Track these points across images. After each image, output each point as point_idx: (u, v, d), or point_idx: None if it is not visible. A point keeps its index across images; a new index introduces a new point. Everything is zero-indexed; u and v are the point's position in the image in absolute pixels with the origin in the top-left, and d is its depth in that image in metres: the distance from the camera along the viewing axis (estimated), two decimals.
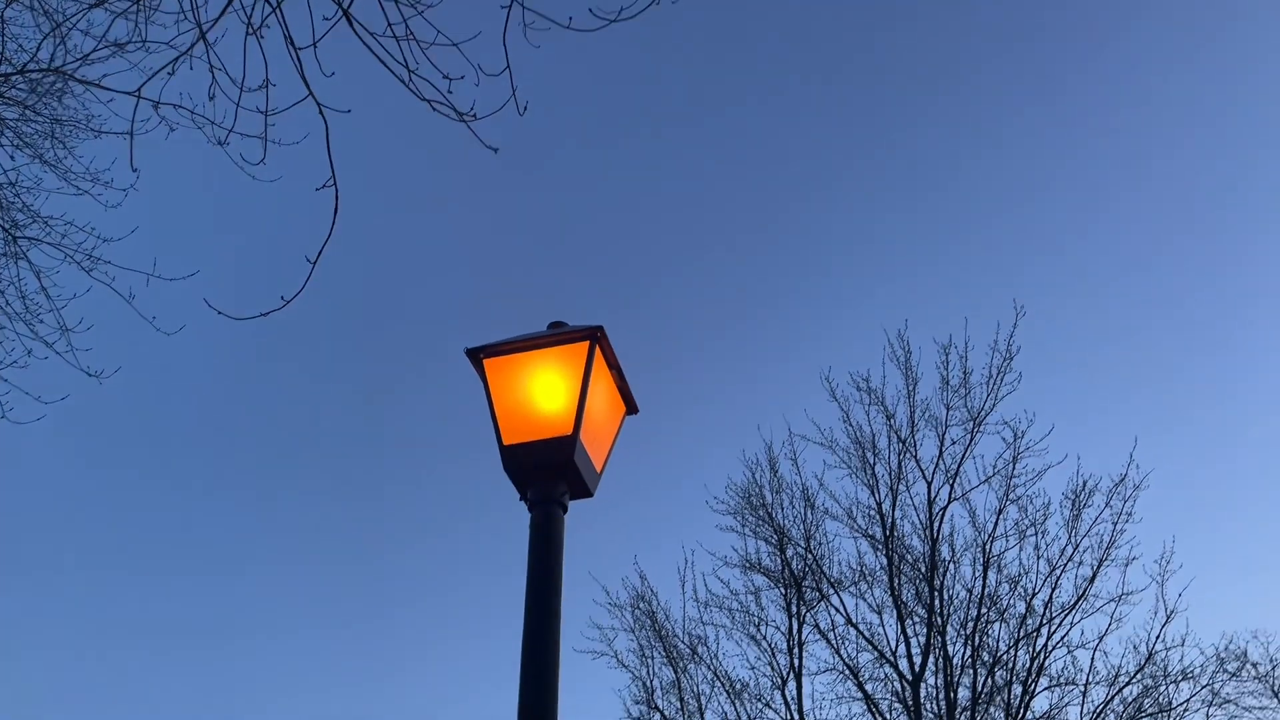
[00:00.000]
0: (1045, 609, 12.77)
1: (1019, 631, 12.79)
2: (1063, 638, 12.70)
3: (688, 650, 14.00)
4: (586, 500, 3.38)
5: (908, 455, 13.61)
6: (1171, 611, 12.67)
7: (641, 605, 14.37)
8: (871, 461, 13.75)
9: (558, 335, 3.41)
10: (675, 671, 13.94)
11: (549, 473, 3.26)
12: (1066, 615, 12.72)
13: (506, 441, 3.31)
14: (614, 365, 3.52)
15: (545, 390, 3.36)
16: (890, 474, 13.67)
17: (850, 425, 13.90)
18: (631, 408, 3.65)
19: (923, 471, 13.56)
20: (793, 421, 15.10)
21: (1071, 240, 23.12)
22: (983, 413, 13.35)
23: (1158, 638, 12.64)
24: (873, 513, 13.64)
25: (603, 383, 3.47)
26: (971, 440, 13.39)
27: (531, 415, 3.34)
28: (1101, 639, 12.66)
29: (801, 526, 14.00)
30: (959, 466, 13.38)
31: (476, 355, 3.46)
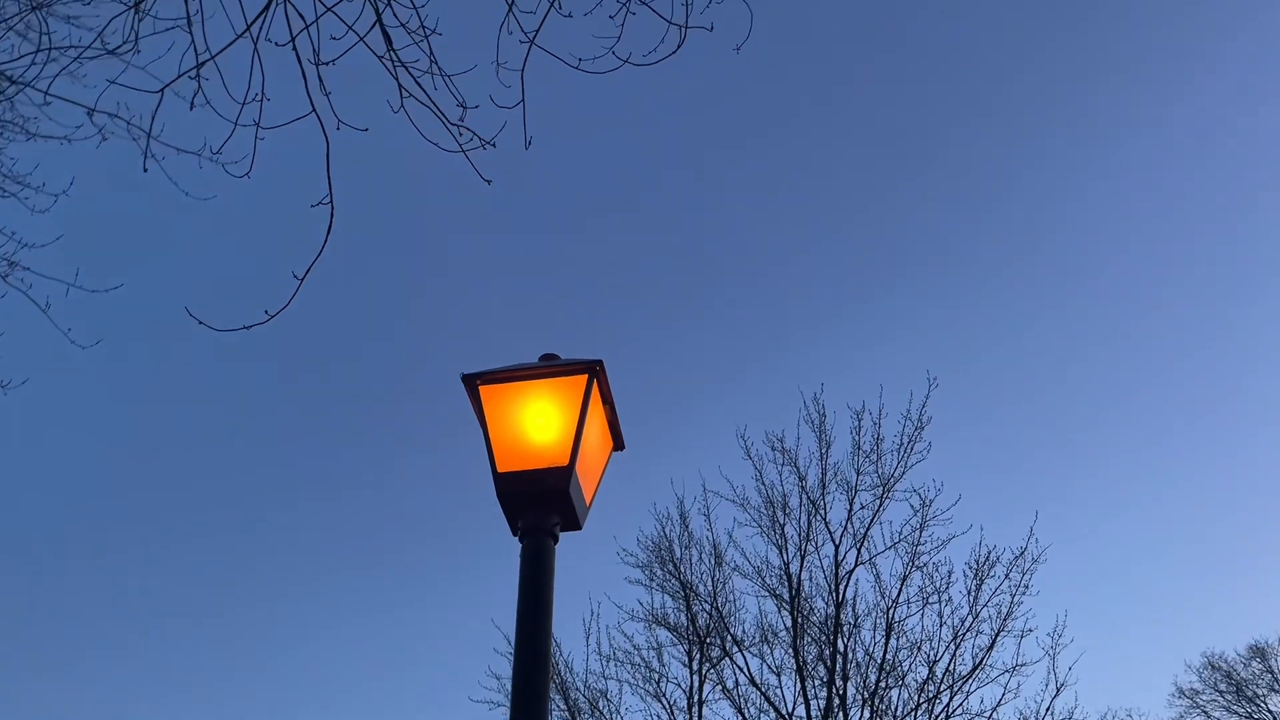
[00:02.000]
0: (946, 676, 13.00)
1: (919, 697, 12.98)
2: (961, 704, 12.93)
3: (588, 705, 13.84)
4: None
5: (818, 517, 13.83)
6: (1061, 684, 13.03)
7: None
8: (782, 521, 13.94)
9: (558, 367, 3.40)
10: None
11: (543, 503, 3.24)
12: (965, 683, 12.97)
13: (501, 469, 3.27)
14: (608, 401, 3.52)
15: (542, 420, 3.33)
16: (800, 534, 13.86)
17: (763, 484, 14.09)
18: (619, 444, 3.65)
19: (831, 534, 13.78)
20: (707, 477, 15.24)
21: (985, 328, 24.03)
22: (893, 479, 13.67)
23: (1048, 710, 12.96)
24: (781, 572, 13.78)
25: (597, 417, 3.47)
26: (880, 505, 13.68)
27: (528, 444, 3.31)
28: (995, 708, 12.93)
29: (710, 583, 14.08)
30: (867, 531, 13.64)
31: (473, 382, 3.41)
